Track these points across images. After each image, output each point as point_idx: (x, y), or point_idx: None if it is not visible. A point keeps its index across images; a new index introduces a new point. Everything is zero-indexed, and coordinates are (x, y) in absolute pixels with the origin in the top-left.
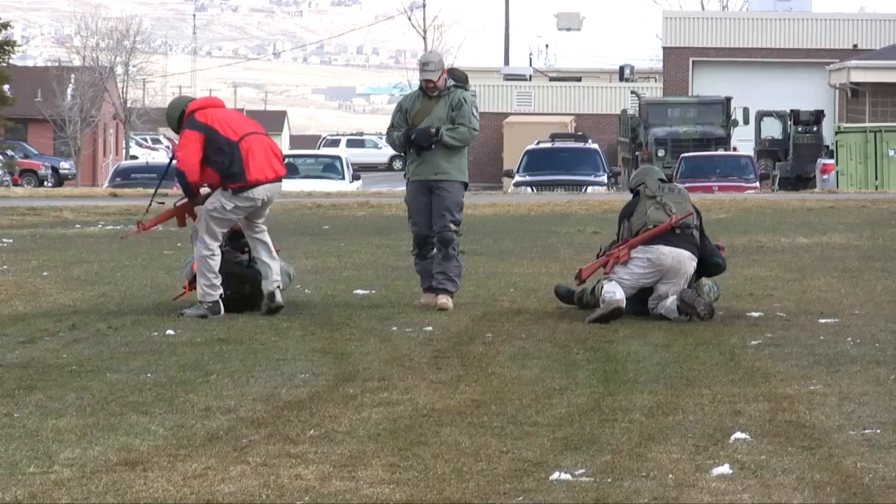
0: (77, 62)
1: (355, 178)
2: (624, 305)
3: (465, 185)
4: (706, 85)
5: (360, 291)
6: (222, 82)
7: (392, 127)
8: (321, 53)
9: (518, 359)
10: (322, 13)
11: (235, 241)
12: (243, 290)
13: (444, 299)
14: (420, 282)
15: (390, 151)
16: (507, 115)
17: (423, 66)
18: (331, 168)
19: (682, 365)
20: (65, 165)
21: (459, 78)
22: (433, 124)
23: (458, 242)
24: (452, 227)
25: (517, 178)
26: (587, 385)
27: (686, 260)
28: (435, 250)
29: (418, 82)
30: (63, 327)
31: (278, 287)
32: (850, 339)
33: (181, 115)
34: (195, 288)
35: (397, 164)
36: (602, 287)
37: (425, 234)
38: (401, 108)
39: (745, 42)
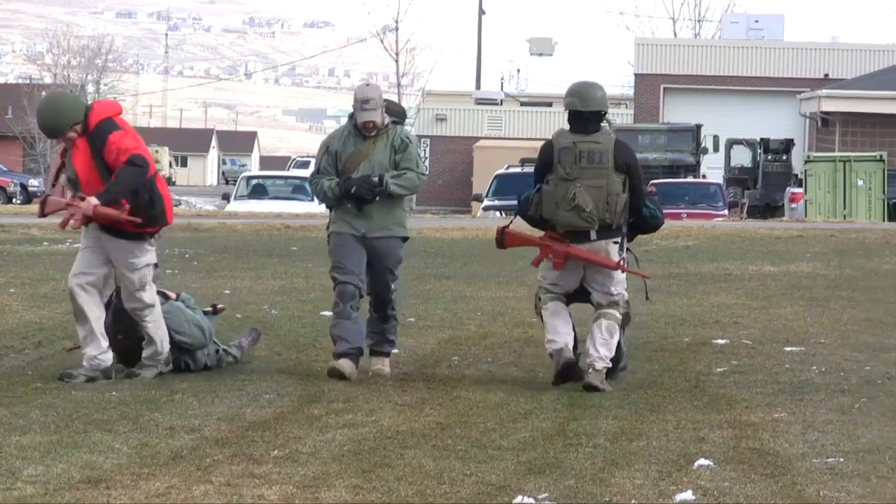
0: (48, 80)
1: None
2: (572, 356)
3: (405, 240)
4: (677, 112)
5: (326, 313)
6: (193, 102)
7: (319, 173)
8: (293, 75)
9: (483, 382)
10: (294, 35)
11: None
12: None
13: (379, 364)
14: (334, 345)
15: None
16: (477, 138)
17: (363, 104)
18: (300, 189)
19: (647, 391)
20: (34, 183)
21: (397, 112)
22: (373, 171)
23: (397, 303)
24: (392, 286)
25: (486, 203)
26: (552, 409)
27: (603, 250)
28: (371, 311)
29: (349, 119)
30: (29, 344)
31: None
32: (815, 367)
33: (85, 115)
34: None
35: None
36: (541, 315)
37: (357, 286)
38: (328, 149)
39: (716, 70)
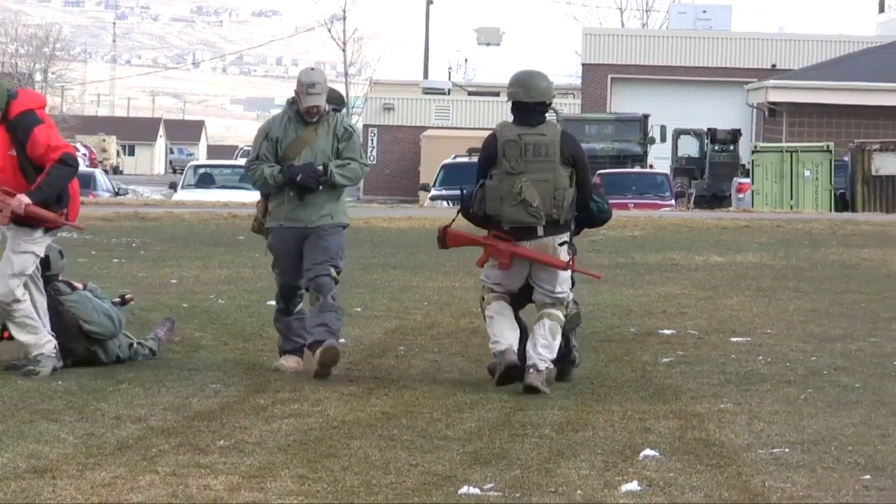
0: None
1: None
2: (516, 358)
3: (345, 227)
4: (624, 102)
5: (272, 303)
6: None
7: (257, 160)
8: (240, 64)
9: (429, 372)
10: (242, 24)
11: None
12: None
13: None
14: (279, 342)
15: None
16: (425, 128)
17: (309, 87)
18: (247, 179)
19: (594, 381)
20: None
21: (335, 99)
22: (316, 159)
23: (337, 292)
24: (333, 272)
25: (433, 192)
26: (498, 400)
27: (547, 246)
28: (311, 300)
29: (288, 105)
30: None
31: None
32: (761, 357)
33: (7, 103)
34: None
35: None
36: (483, 313)
37: (295, 284)
38: (268, 136)
39: (664, 60)
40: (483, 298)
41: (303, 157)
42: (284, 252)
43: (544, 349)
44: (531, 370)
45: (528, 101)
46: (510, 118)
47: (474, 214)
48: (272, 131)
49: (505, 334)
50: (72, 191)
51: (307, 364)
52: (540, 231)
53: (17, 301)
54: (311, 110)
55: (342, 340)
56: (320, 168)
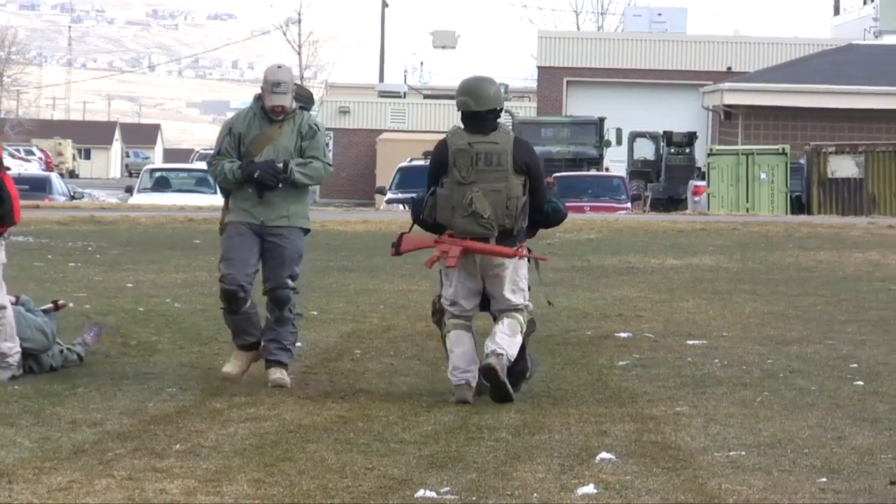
0: None
1: None
2: (469, 396)
3: (307, 232)
4: (580, 105)
5: None
6: (97, 94)
7: (219, 155)
8: (196, 67)
9: (386, 376)
10: (198, 27)
11: None
12: None
13: (278, 374)
14: (231, 337)
15: None
16: (380, 131)
17: (274, 86)
18: (203, 182)
19: (550, 384)
20: None
21: (304, 97)
22: (278, 156)
23: (296, 302)
24: (290, 283)
25: (389, 195)
26: (454, 403)
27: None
28: (268, 309)
29: (254, 100)
30: None
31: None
32: (717, 360)
33: None
34: None
35: None
36: (443, 338)
37: (240, 284)
38: (231, 131)
39: (619, 63)
40: (435, 306)
41: (265, 154)
42: (236, 244)
43: (503, 339)
44: (492, 356)
45: (479, 111)
46: (462, 125)
47: (425, 221)
48: (235, 126)
49: (461, 367)
50: (11, 191)
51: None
52: (492, 242)
53: (4, 308)
54: (276, 109)
55: (298, 344)
56: (280, 165)
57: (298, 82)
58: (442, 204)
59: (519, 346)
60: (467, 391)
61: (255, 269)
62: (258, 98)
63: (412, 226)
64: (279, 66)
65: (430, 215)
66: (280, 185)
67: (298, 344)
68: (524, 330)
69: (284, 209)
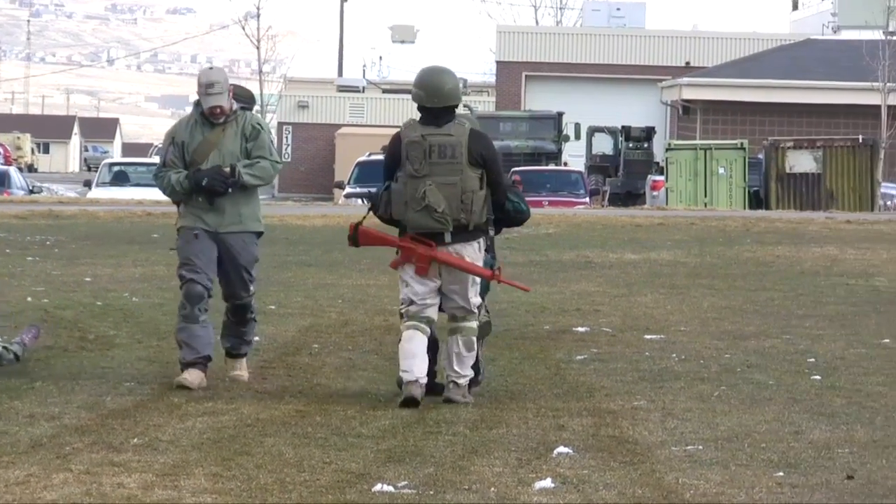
0: None
1: None
2: (418, 393)
3: (260, 235)
4: (539, 100)
5: None
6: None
7: (165, 167)
8: (155, 61)
9: (344, 370)
10: (157, 21)
11: None
12: None
13: (239, 369)
14: (181, 353)
15: None
16: (339, 126)
17: (207, 88)
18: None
19: (508, 378)
20: None
21: (245, 97)
22: (224, 161)
23: (255, 308)
24: (251, 289)
25: (348, 190)
26: (401, 401)
27: (459, 249)
28: (227, 313)
29: (195, 107)
30: None
31: None
32: (675, 355)
33: None
34: None
35: None
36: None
37: (206, 285)
38: (174, 140)
39: (578, 58)
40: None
41: (210, 161)
42: (194, 251)
43: (461, 367)
44: (451, 385)
45: (432, 108)
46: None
47: (381, 217)
48: (178, 135)
49: (414, 365)
50: None
51: (221, 372)
52: (447, 237)
53: None
54: (214, 111)
55: (256, 338)
56: (227, 170)
57: (236, 83)
58: (396, 198)
59: (475, 358)
60: (416, 388)
61: (214, 270)
62: (198, 104)
63: (364, 216)
64: (211, 68)
65: (386, 210)
66: (230, 190)
67: (256, 338)
68: (478, 336)
69: (235, 214)
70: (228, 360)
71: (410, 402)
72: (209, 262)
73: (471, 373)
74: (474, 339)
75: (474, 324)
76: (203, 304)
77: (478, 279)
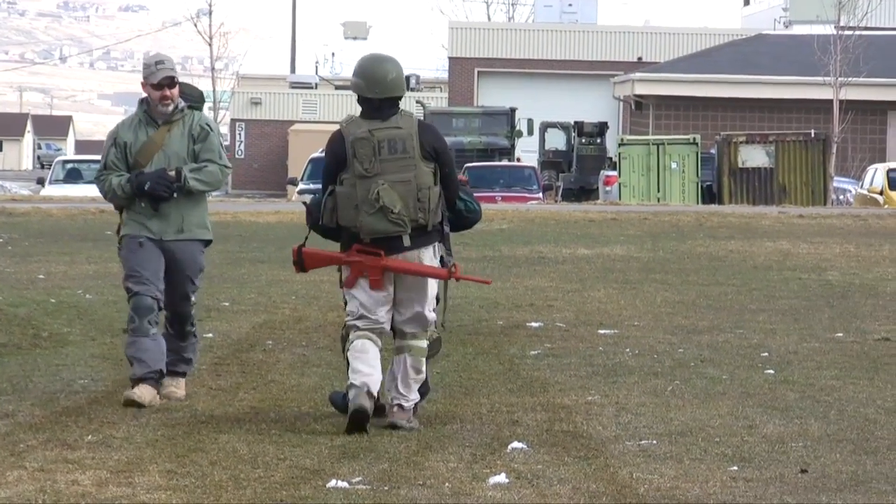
0: None
1: None
2: (367, 404)
3: (208, 243)
4: (492, 95)
5: None
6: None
7: (106, 169)
8: (108, 59)
9: (298, 366)
10: (109, 18)
11: None
12: None
13: (174, 387)
14: (131, 369)
15: None
16: (292, 122)
17: (157, 63)
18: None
19: (462, 374)
20: None
21: (193, 96)
22: (169, 163)
23: (196, 318)
24: (192, 299)
25: (301, 186)
26: (350, 411)
27: (415, 256)
28: (166, 323)
29: (138, 105)
30: None
31: None
32: (628, 350)
33: None
34: None
35: None
36: (344, 353)
37: (156, 297)
38: (116, 141)
39: (530, 53)
40: (344, 336)
41: (155, 163)
42: (140, 262)
43: (407, 390)
44: (395, 408)
45: (373, 99)
46: (357, 112)
47: (325, 227)
48: (121, 135)
49: (363, 372)
50: None
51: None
52: (406, 241)
53: None
54: (164, 85)
55: (209, 335)
56: (172, 173)
57: (187, 80)
58: (343, 203)
59: (423, 380)
60: (365, 398)
61: (162, 281)
62: (143, 101)
63: (307, 235)
64: (155, 54)
65: (331, 219)
66: (174, 195)
67: (209, 335)
68: (427, 356)
69: (180, 221)
70: (165, 378)
71: (358, 415)
72: (156, 272)
73: (417, 396)
74: (423, 360)
75: (424, 343)
76: (153, 317)
77: (432, 292)
